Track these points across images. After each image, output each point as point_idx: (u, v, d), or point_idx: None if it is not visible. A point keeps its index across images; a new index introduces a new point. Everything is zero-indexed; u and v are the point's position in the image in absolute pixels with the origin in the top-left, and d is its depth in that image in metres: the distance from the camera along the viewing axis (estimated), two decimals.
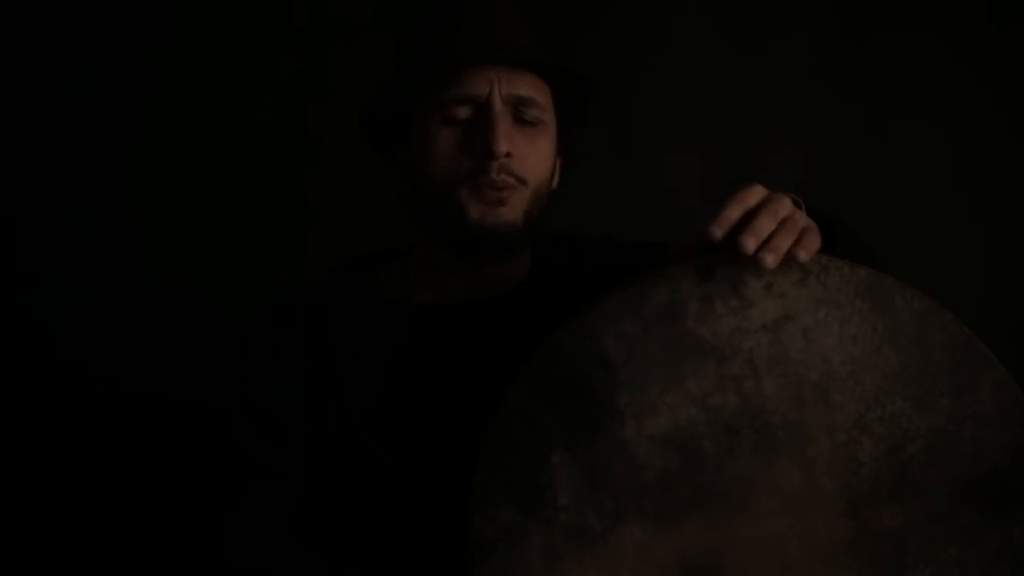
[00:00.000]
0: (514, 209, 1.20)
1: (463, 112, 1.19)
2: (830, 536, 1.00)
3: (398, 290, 1.28)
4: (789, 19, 1.94)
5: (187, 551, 1.18)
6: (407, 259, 1.30)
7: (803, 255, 0.97)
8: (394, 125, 1.25)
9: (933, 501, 0.99)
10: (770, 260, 0.96)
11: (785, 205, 1.00)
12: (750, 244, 0.96)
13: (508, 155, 1.18)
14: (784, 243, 0.97)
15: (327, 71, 1.90)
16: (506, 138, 1.17)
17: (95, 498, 1.84)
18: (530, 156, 1.20)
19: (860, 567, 1.00)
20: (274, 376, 1.22)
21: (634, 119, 1.94)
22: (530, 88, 1.21)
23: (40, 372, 1.88)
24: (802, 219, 1.00)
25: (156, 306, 1.88)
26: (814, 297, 0.99)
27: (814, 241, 0.98)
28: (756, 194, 1.00)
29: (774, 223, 0.98)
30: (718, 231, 0.98)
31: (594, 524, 1.00)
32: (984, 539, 0.99)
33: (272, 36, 1.92)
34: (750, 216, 0.99)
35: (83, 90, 1.90)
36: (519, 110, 1.20)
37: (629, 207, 1.91)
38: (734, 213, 0.99)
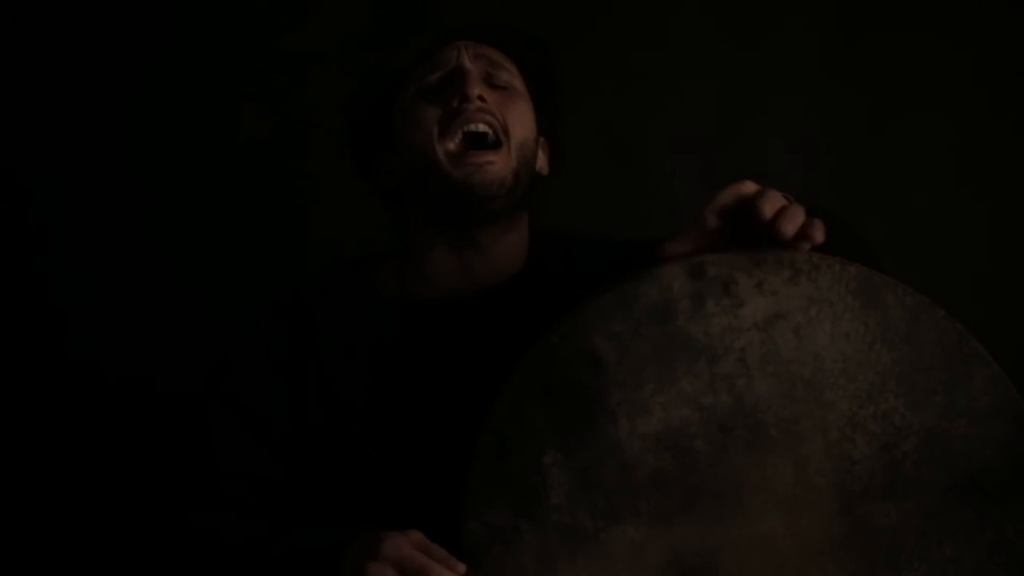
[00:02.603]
0: (504, 165, 1.20)
1: (434, 77, 1.23)
2: (824, 534, 0.99)
3: (392, 288, 1.28)
4: (789, 18, 1.94)
5: (168, 546, 1.18)
6: (403, 259, 1.31)
7: (819, 236, 0.98)
8: (376, 127, 1.29)
9: (927, 498, 0.99)
10: (790, 228, 0.97)
11: (779, 197, 1.00)
12: (768, 209, 0.97)
13: (482, 99, 1.20)
14: (799, 217, 0.98)
15: (328, 70, 1.90)
16: (477, 85, 1.21)
17: (91, 493, 1.85)
18: (509, 109, 1.23)
19: (854, 565, 0.99)
20: (254, 374, 1.23)
21: (633, 119, 1.93)
22: (499, 57, 1.26)
23: (40, 369, 1.88)
24: (800, 208, 1.00)
25: (156, 305, 1.89)
26: (805, 295, 0.98)
27: (819, 226, 0.99)
28: (749, 186, 1.01)
29: (779, 202, 0.99)
30: (712, 216, 1.00)
31: (587, 524, 1.00)
32: (978, 536, 0.99)
33: (272, 35, 1.93)
34: (747, 202, 1.00)
35: (82, 90, 1.90)
36: (490, 73, 1.24)
37: (628, 207, 1.90)
38: (727, 199, 1.00)
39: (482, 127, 1.20)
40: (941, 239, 1.88)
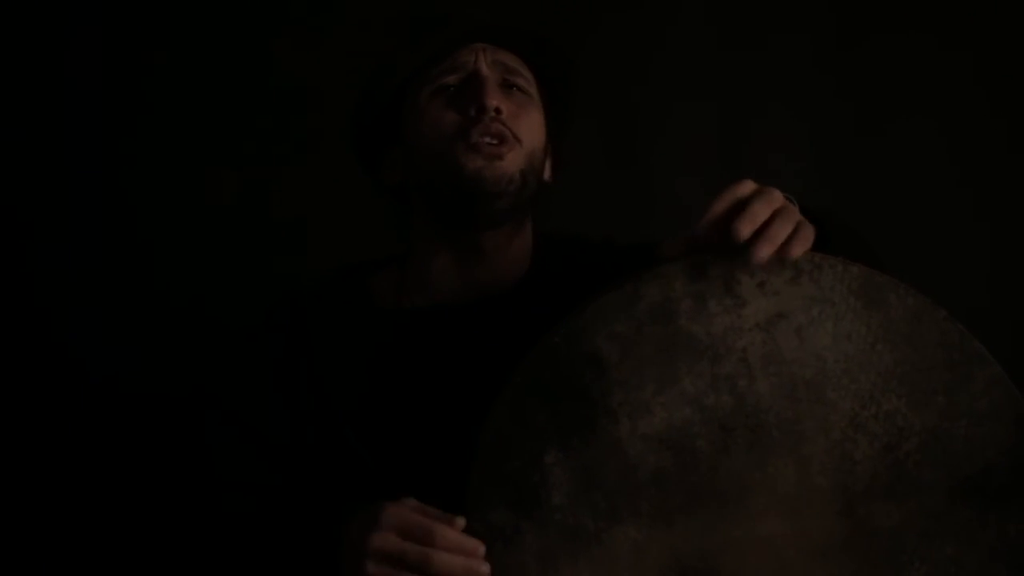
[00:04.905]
0: (512, 163, 1.21)
1: (451, 79, 1.23)
2: (826, 535, 0.99)
3: (390, 295, 1.27)
4: (788, 22, 1.94)
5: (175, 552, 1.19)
6: (403, 265, 1.30)
7: (797, 250, 0.96)
8: (383, 122, 1.28)
9: (928, 499, 0.99)
10: (765, 251, 0.95)
11: (777, 197, 0.99)
12: (745, 230, 0.95)
13: (498, 111, 1.20)
14: (781, 232, 0.96)
15: (328, 71, 1.90)
16: (495, 96, 1.21)
17: (89, 496, 1.85)
18: (522, 118, 1.23)
19: (856, 565, 0.99)
20: (252, 390, 1.22)
21: (633, 122, 1.94)
22: (516, 62, 1.26)
23: (40, 374, 1.88)
24: (795, 213, 0.99)
25: (156, 306, 1.89)
26: (807, 295, 0.99)
27: (808, 236, 0.97)
28: (746, 188, 0.99)
29: (769, 210, 0.97)
30: (706, 227, 0.98)
31: (589, 524, 1.00)
32: (979, 536, 0.99)
33: (272, 36, 1.93)
34: (742, 205, 0.97)
35: (84, 91, 1.90)
36: (506, 78, 1.24)
37: (628, 208, 1.90)
38: (722, 206, 0.98)
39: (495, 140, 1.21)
40: (940, 240, 1.88)
